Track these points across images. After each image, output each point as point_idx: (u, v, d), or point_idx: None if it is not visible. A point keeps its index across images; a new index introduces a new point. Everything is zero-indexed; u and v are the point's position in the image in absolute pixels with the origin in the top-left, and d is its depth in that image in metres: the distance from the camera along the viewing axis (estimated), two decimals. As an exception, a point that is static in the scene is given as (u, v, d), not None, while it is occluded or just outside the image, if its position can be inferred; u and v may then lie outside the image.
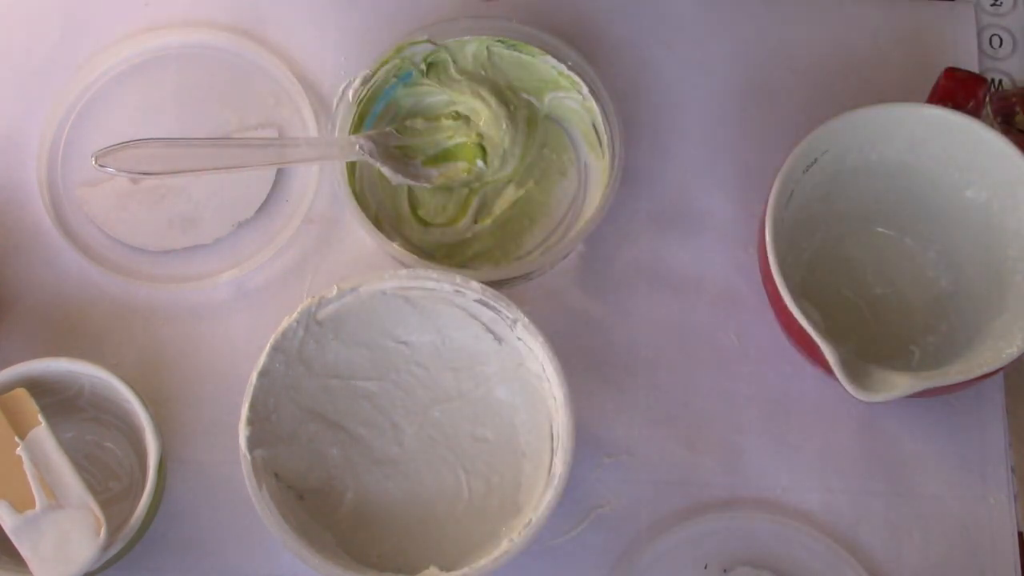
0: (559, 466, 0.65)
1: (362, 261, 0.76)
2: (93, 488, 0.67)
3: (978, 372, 0.65)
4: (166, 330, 0.75)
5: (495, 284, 0.69)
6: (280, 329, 0.67)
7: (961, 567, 0.70)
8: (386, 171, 0.74)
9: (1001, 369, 0.65)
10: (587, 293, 0.75)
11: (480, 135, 0.76)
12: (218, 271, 0.76)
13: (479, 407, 0.72)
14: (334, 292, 0.68)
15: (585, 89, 0.75)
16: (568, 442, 0.65)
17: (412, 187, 0.76)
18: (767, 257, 0.67)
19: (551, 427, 0.69)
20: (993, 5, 0.82)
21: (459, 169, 0.76)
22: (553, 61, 0.76)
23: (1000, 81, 0.80)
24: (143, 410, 0.68)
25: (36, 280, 0.75)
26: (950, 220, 0.73)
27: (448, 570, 0.64)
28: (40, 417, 0.65)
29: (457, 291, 0.68)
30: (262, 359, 0.67)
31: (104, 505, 0.65)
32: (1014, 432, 0.73)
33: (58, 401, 0.70)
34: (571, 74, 0.75)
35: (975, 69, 0.79)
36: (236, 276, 0.75)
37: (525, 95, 0.77)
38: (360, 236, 0.76)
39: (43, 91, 0.79)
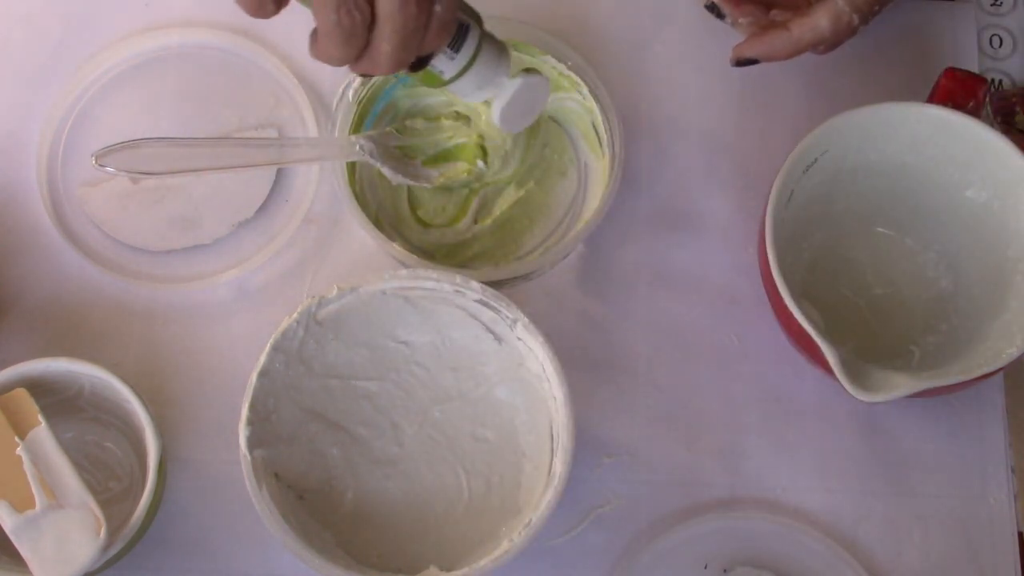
0: (559, 466, 0.65)
1: (362, 261, 0.76)
2: (93, 488, 0.67)
3: (978, 372, 0.65)
4: (166, 330, 0.75)
5: (495, 284, 0.69)
6: (280, 329, 0.67)
7: (961, 567, 0.70)
8: (386, 171, 0.74)
9: (1001, 369, 0.65)
10: (587, 293, 0.75)
11: (481, 135, 0.76)
12: (218, 271, 0.76)
13: (479, 407, 0.72)
14: (334, 292, 0.68)
15: (585, 89, 0.75)
16: (568, 442, 0.65)
17: (412, 187, 0.76)
18: (767, 257, 0.67)
19: (551, 427, 0.69)
20: (993, 5, 0.82)
21: (459, 169, 0.76)
22: (553, 61, 0.76)
23: (1000, 81, 0.80)
24: (143, 410, 0.68)
25: (36, 280, 0.75)
26: (950, 220, 0.73)
27: (448, 570, 0.65)
28: (40, 417, 0.65)
29: (457, 291, 0.68)
30: (262, 359, 0.67)
31: (104, 505, 0.65)
32: (1014, 432, 0.73)
33: (58, 401, 0.70)
34: (571, 74, 0.75)
35: (975, 69, 0.79)
36: (236, 276, 0.75)
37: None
38: (360, 236, 0.76)
39: (43, 91, 0.79)
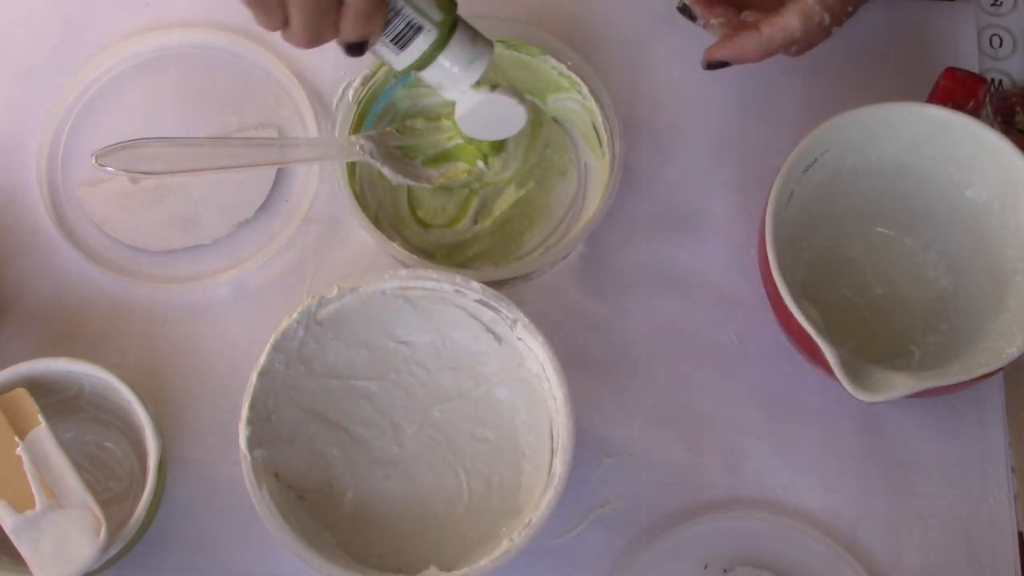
0: (559, 466, 0.65)
1: (362, 261, 0.76)
2: (93, 488, 0.67)
3: (978, 372, 0.65)
4: (166, 330, 0.75)
5: (495, 284, 0.69)
6: (280, 329, 0.67)
7: (961, 567, 0.70)
8: (386, 171, 0.74)
9: (1001, 369, 0.65)
10: (587, 293, 0.75)
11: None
12: (218, 271, 0.76)
13: (479, 407, 0.72)
14: (334, 292, 0.68)
15: (585, 89, 0.75)
16: (568, 442, 0.65)
17: (412, 187, 0.76)
18: (767, 257, 0.67)
19: (551, 427, 0.69)
20: (993, 5, 0.82)
21: (459, 170, 0.76)
22: (553, 61, 0.76)
23: (1000, 81, 0.80)
24: (143, 410, 0.68)
25: (36, 280, 0.75)
26: (950, 220, 0.73)
27: (448, 570, 0.65)
28: (40, 417, 0.65)
29: (457, 291, 0.68)
30: (262, 359, 0.67)
31: (104, 505, 0.65)
32: (1014, 432, 0.73)
33: (58, 401, 0.70)
34: (571, 74, 0.75)
35: (975, 69, 0.79)
36: (236, 276, 0.75)
37: (529, 96, 0.77)
38: (360, 236, 0.76)
39: (43, 91, 0.79)
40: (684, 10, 0.73)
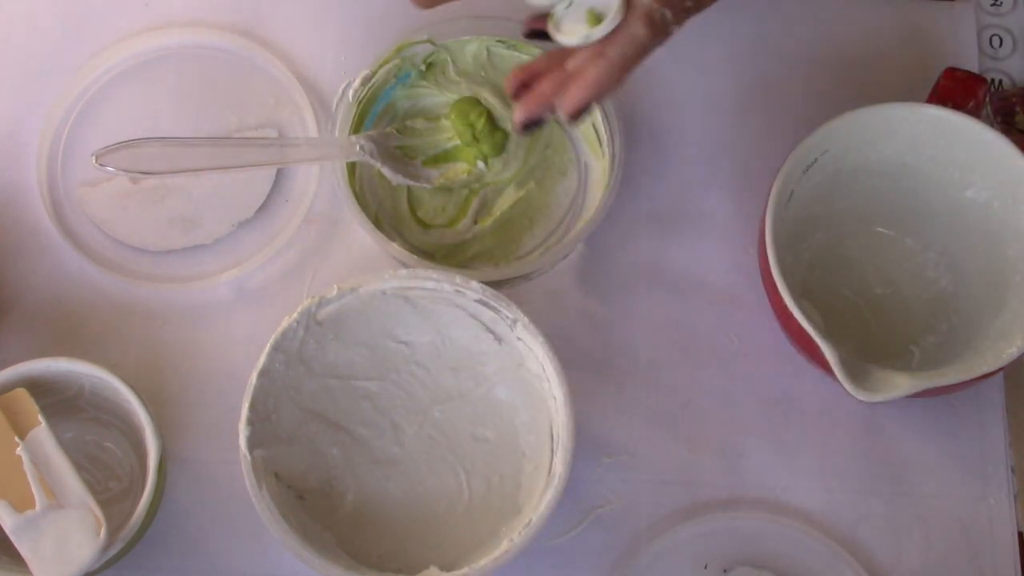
0: (559, 466, 0.65)
1: (362, 261, 0.76)
2: (93, 488, 0.67)
3: (978, 372, 0.65)
4: (166, 330, 0.75)
5: (495, 284, 0.69)
6: (280, 329, 0.67)
7: (961, 567, 0.70)
8: (386, 171, 0.74)
9: (1001, 369, 0.65)
10: (587, 293, 0.75)
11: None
12: (218, 271, 0.76)
13: (479, 407, 0.72)
14: (334, 292, 0.68)
15: (585, 89, 0.75)
16: (568, 442, 0.65)
17: (412, 188, 0.76)
18: (767, 257, 0.67)
19: (551, 427, 0.69)
20: (993, 5, 0.82)
21: (459, 170, 0.76)
22: (553, 61, 0.75)
23: (1000, 81, 0.80)
24: (143, 410, 0.68)
25: (36, 280, 0.75)
26: (950, 220, 0.73)
27: (448, 570, 0.65)
28: (40, 417, 0.65)
29: (457, 291, 0.68)
30: (262, 359, 0.67)
31: (104, 505, 0.65)
32: (1014, 432, 0.73)
33: (58, 401, 0.70)
34: (571, 74, 0.75)
35: (975, 69, 0.79)
36: (236, 276, 0.75)
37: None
38: (360, 236, 0.76)
39: (43, 91, 0.79)
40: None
